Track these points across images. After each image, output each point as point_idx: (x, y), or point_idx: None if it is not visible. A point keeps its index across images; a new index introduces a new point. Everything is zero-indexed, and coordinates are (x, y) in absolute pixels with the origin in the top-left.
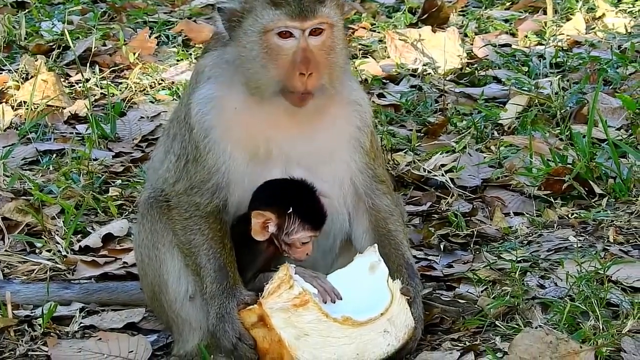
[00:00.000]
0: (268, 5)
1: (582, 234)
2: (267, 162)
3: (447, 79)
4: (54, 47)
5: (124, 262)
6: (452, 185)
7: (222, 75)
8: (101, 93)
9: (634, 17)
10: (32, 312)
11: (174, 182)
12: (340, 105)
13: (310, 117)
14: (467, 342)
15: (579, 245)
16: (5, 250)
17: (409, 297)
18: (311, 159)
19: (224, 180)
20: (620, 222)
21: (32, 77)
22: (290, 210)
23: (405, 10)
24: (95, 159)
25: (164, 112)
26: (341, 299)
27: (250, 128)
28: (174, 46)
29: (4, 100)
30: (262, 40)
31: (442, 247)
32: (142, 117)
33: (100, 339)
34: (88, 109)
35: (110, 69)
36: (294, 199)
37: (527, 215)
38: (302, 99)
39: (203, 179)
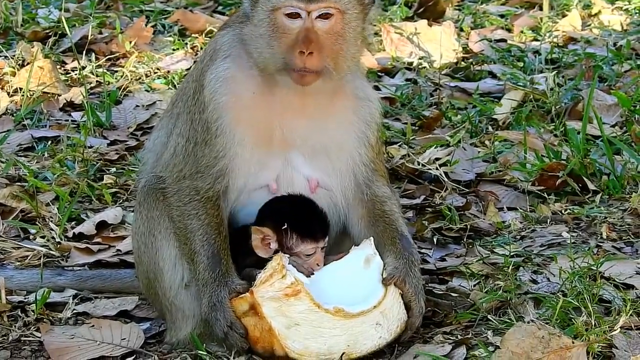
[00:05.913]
0: None
1: (575, 230)
2: (273, 150)
3: (442, 73)
4: (50, 34)
5: (118, 250)
6: (446, 179)
7: (240, 55)
8: (97, 81)
9: (630, 15)
10: (25, 298)
11: (181, 166)
12: (350, 100)
13: (322, 108)
14: (459, 336)
15: (572, 241)
16: (0, 236)
17: (402, 291)
18: (318, 149)
19: (229, 166)
20: (614, 218)
21: (28, 63)
22: (285, 226)
23: (401, 4)
24: (90, 147)
25: (159, 100)
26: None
27: (262, 114)
28: (170, 35)
29: (0, 86)
30: (270, 19)
31: (435, 240)
32: (137, 106)
33: (93, 326)
34: (84, 97)
35: (106, 57)
36: (289, 214)
37: (521, 210)
38: (302, 77)
39: (209, 163)
